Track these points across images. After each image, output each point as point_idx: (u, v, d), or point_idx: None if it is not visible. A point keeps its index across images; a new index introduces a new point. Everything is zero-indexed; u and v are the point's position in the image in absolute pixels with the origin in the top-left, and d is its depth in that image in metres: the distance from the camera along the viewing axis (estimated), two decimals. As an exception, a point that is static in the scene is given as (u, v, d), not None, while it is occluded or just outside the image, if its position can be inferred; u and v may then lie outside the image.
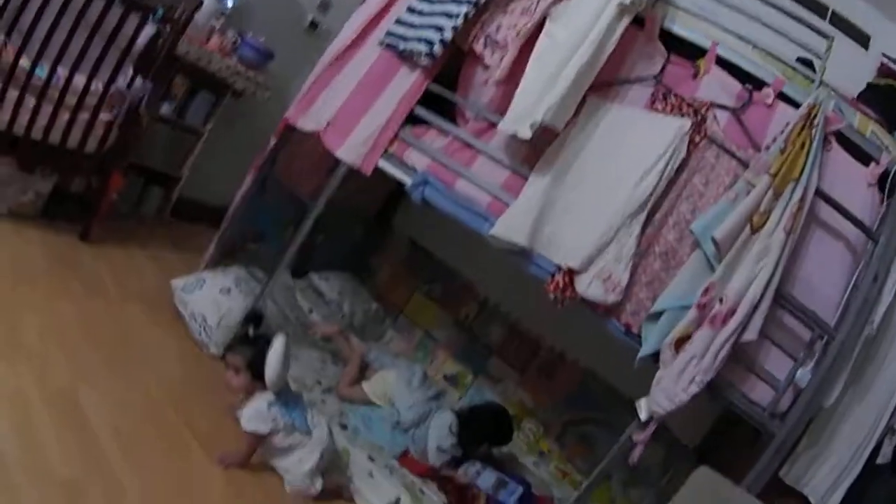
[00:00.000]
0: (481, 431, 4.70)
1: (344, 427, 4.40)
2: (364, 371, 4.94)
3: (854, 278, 3.53)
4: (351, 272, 6.18)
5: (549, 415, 5.53)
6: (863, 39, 4.42)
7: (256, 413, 3.57)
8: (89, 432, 3.22)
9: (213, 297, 4.56)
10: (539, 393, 5.60)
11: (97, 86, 4.32)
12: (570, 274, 3.54)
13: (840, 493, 3.51)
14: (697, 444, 5.16)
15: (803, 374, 3.37)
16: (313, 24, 5.98)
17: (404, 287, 6.26)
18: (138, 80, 4.50)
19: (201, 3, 4.59)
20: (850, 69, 4.13)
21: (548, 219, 3.66)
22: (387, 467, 4.24)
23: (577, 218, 3.63)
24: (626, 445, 3.52)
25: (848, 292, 3.52)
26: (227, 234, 4.99)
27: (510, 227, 3.66)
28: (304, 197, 4.63)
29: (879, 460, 3.56)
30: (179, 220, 5.88)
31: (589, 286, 3.50)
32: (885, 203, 3.58)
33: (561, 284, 3.54)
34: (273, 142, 4.67)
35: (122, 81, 4.43)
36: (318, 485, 3.72)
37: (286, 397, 3.70)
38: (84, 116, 4.37)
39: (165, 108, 5.28)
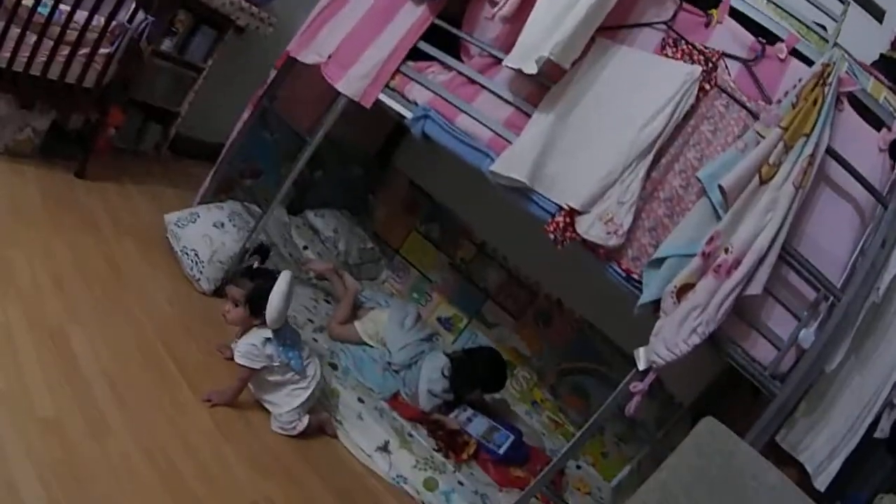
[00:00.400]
0: (475, 376, 4.57)
1: (334, 367, 4.30)
2: (357, 310, 4.82)
3: (862, 242, 3.43)
4: (348, 210, 6.08)
5: (544, 363, 5.45)
6: (878, 13, 4.25)
7: (251, 348, 3.51)
8: (77, 370, 3.17)
9: (205, 232, 4.44)
10: (534, 340, 5.51)
11: (99, 20, 4.18)
12: (572, 214, 3.40)
13: (837, 464, 3.38)
14: (692, 402, 5.06)
15: (807, 335, 3.24)
16: None
17: (401, 227, 6.15)
18: (140, 14, 4.36)
19: None
20: (864, 41, 4.01)
21: (550, 158, 3.51)
22: (376, 409, 4.16)
23: (580, 158, 3.49)
24: (623, 396, 3.38)
25: (855, 256, 3.41)
26: (223, 169, 4.85)
27: (511, 163, 3.51)
28: (303, 132, 4.41)
29: (877, 434, 3.42)
30: (178, 157, 5.76)
31: (590, 227, 3.37)
32: (894, 169, 3.49)
33: (561, 225, 3.40)
34: (273, 74, 4.55)
35: (123, 15, 4.30)
36: (304, 422, 3.67)
37: (284, 335, 3.62)
38: (84, 51, 4.25)
39: (167, 44, 5.14)
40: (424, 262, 5.99)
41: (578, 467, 5.04)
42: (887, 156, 3.47)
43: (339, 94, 4.10)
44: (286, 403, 3.62)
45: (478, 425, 4.46)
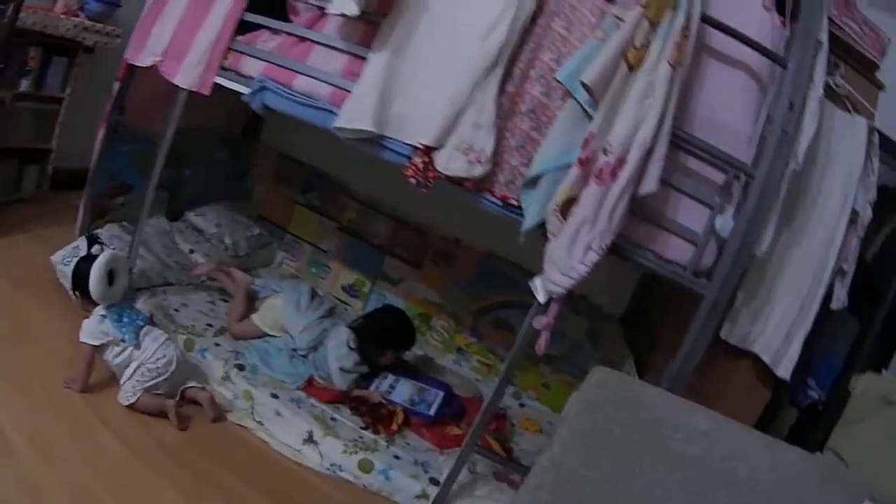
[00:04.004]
0: (380, 338, 3.96)
1: (241, 368, 3.69)
2: (253, 303, 4.23)
3: (766, 110, 2.85)
4: (228, 201, 5.47)
5: (458, 306, 4.86)
6: None
7: (88, 326, 3.30)
8: (3, 441, 2.84)
9: (87, 262, 3.93)
10: (442, 285, 4.92)
11: None
12: (428, 152, 2.82)
13: (796, 347, 2.98)
14: (623, 311, 4.60)
15: (724, 222, 2.71)
16: None
17: (283, 203, 5.49)
18: None
19: None
20: None
21: (392, 97, 2.94)
22: (293, 401, 3.57)
23: (423, 89, 2.93)
24: (532, 333, 2.81)
25: (761, 125, 2.83)
26: (91, 195, 4.27)
27: (354, 114, 2.92)
28: (159, 135, 3.85)
29: (834, 305, 3.07)
30: (61, 192, 5.15)
31: (449, 161, 2.79)
32: (787, 26, 2.89)
33: (420, 166, 2.83)
34: (117, 86, 3.99)
35: None
36: (134, 400, 3.28)
37: (120, 312, 3.37)
38: None
39: (24, 84, 4.62)
40: (313, 234, 5.32)
41: (522, 405, 4.46)
42: (775, 13, 2.88)
43: (179, 88, 3.53)
44: (125, 373, 3.32)
45: (401, 390, 3.89)
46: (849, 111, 3.08)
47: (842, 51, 3.07)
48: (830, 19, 2.91)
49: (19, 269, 4.05)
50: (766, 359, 2.97)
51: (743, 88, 2.85)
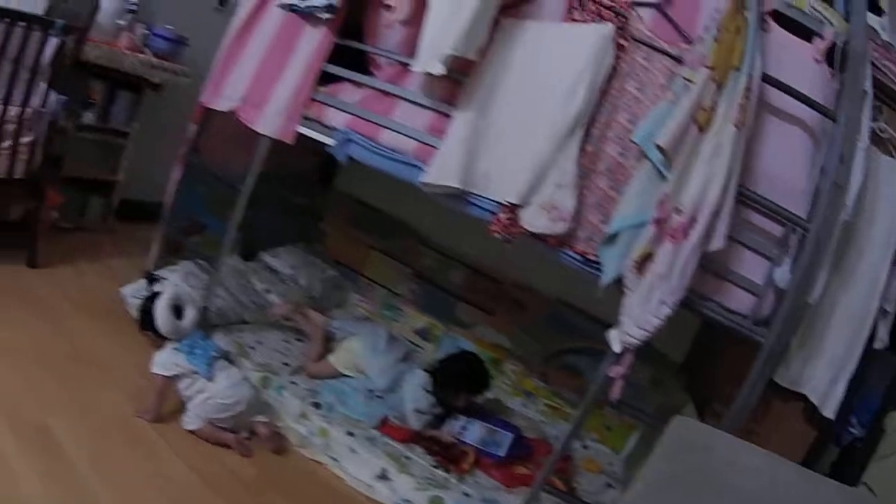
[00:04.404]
0: (456, 382, 4.28)
1: (318, 406, 4.02)
2: (329, 343, 4.54)
3: (819, 163, 3.10)
4: (303, 243, 5.84)
5: (528, 351, 5.16)
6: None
7: (161, 358, 3.56)
8: (65, 462, 3.04)
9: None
10: (513, 330, 5.24)
11: (13, 111, 3.99)
12: (513, 209, 3.14)
13: (841, 387, 3.19)
14: (685, 357, 4.90)
15: (782, 274, 2.95)
16: (222, 2, 5.66)
17: (358, 248, 5.85)
18: (52, 96, 4.17)
19: (97, 6, 4.27)
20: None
21: (479, 155, 3.26)
22: (368, 439, 3.88)
23: (509, 149, 3.22)
24: (606, 380, 3.11)
25: (815, 178, 3.09)
26: (166, 233, 4.63)
27: (441, 170, 3.26)
28: (236, 177, 4.19)
29: (877, 344, 3.24)
30: (127, 223, 5.54)
31: (534, 219, 3.10)
32: (836, 78, 3.14)
33: (505, 222, 3.15)
34: (193, 129, 4.35)
35: (36, 101, 4.10)
36: (196, 425, 3.56)
37: (192, 344, 3.63)
38: (6, 144, 4.03)
39: (88, 117, 4.99)
40: (388, 278, 5.68)
41: (585, 447, 4.77)
42: (825, 65, 3.14)
43: (261, 134, 3.87)
44: (194, 401, 3.58)
45: (473, 432, 4.20)
46: (891, 154, 3.33)
47: (884, 94, 3.30)
48: (872, 63, 3.18)
49: (83, 295, 4.38)
50: (814, 400, 3.19)
51: (799, 143, 3.11)
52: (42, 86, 4.08)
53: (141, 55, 4.92)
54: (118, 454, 3.22)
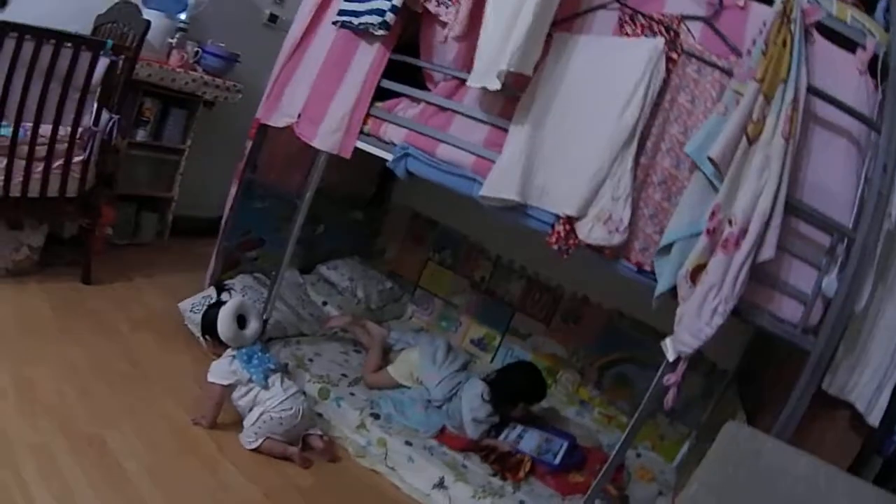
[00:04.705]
0: (513, 392, 4.44)
1: (377, 416, 4.17)
2: (388, 355, 4.71)
3: (864, 173, 3.21)
4: (359, 256, 6.01)
5: (583, 361, 5.32)
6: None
7: (218, 367, 3.70)
8: (121, 472, 3.17)
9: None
10: (569, 341, 5.39)
11: (65, 130, 4.19)
12: (570, 222, 3.29)
13: (886, 395, 3.25)
14: (736, 366, 4.91)
15: (830, 283, 3.07)
16: (272, 18, 5.81)
17: (415, 259, 6.07)
18: (104, 114, 4.34)
19: (149, 26, 4.40)
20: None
21: (536, 168, 3.40)
22: (426, 448, 4.04)
23: (565, 162, 3.37)
24: (660, 389, 3.25)
25: (861, 189, 3.19)
26: (224, 247, 4.80)
27: (499, 184, 3.40)
28: (292, 193, 4.36)
29: None
30: (180, 240, 5.71)
31: (591, 231, 3.25)
32: (879, 89, 3.22)
33: (562, 234, 3.30)
34: (249, 145, 4.48)
35: (88, 120, 4.29)
36: (257, 443, 3.68)
37: (251, 354, 3.77)
38: (58, 163, 4.23)
39: (141, 134, 5.16)
40: (445, 289, 5.91)
41: (638, 455, 4.90)
42: (868, 76, 3.23)
43: (318, 150, 4.04)
44: (249, 417, 3.71)
45: (529, 440, 4.35)
46: None
47: None
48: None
49: (140, 311, 4.56)
50: (860, 408, 3.26)
51: (844, 154, 3.20)
52: (94, 105, 4.27)
53: (193, 73, 5.09)
54: (175, 465, 3.36)
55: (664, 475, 4.75)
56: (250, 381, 3.68)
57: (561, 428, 4.72)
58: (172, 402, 3.80)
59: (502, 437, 4.34)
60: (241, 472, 3.48)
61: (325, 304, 5.30)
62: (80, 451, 3.16)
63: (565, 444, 4.37)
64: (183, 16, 5.16)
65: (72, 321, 4.16)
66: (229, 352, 3.76)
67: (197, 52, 5.22)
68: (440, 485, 3.86)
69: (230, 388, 3.69)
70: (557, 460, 4.26)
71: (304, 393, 3.94)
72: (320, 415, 4.10)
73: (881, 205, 3.04)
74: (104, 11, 4.57)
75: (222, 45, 5.33)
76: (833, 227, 3.13)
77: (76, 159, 4.28)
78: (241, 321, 3.85)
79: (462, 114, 3.74)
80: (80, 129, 4.22)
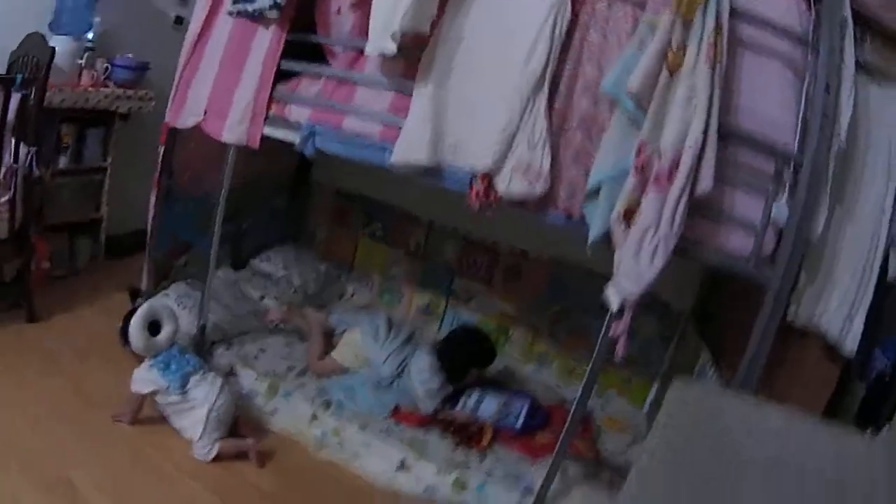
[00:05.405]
0: (462, 359, 4.10)
1: (328, 405, 3.85)
2: (332, 339, 4.35)
3: (804, 95, 2.87)
4: (291, 243, 5.65)
5: (533, 316, 5.00)
6: None
7: (138, 374, 3.51)
8: None
9: (159, 326, 4.06)
10: (515, 298, 5.07)
11: None
12: (487, 177, 2.97)
13: (859, 322, 2.96)
14: (692, 305, 4.66)
15: (779, 210, 2.76)
16: (178, 20, 5.35)
17: (346, 238, 5.69)
18: (22, 148, 3.99)
19: (53, 52, 4.03)
20: None
21: (445, 127, 3.08)
22: (383, 431, 3.74)
23: (474, 117, 3.05)
24: (609, 340, 2.91)
25: (801, 111, 2.86)
26: (153, 258, 4.44)
27: (408, 149, 3.09)
28: (213, 192, 3.99)
29: (890, 277, 3.01)
30: (117, 258, 5.30)
31: (510, 184, 2.94)
32: (811, 9, 2.91)
33: (481, 191, 2.98)
34: (162, 150, 4.13)
35: (8, 158, 3.96)
36: (215, 449, 3.46)
37: (168, 360, 3.55)
38: None
39: (62, 161, 4.78)
40: (381, 262, 5.54)
41: (604, 406, 4.58)
42: None
43: (227, 145, 3.69)
44: (190, 431, 3.48)
45: (488, 406, 4.01)
46: (881, 83, 3.08)
47: (866, 23, 3.04)
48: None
49: (85, 340, 4.20)
50: (832, 336, 2.98)
51: (780, 77, 2.90)
52: (11, 142, 3.95)
53: (104, 89, 4.74)
54: (141, 494, 3.16)
55: (635, 421, 4.45)
56: (167, 388, 3.47)
57: (522, 388, 4.44)
58: (130, 429, 3.57)
59: (459, 406, 4.03)
60: (202, 485, 3.29)
61: (262, 298, 4.94)
62: (50, 497, 2.99)
63: (525, 406, 4.05)
64: (90, 35, 4.81)
65: (22, 363, 3.87)
66: (148, 361, 3.53)
67: (107, 68, 4.84)
68: (402, 466, 3.58)
69: (152, 393, 3.49)
70: (519, 423, 3.97)
71: (228, 377, 3.82)
72: (275, 411, 3.85)
73: (826, 126, 2.75)
74: (16, 47, 4.23)
75: (130, 55, 4.97)
76: (776, 151, 2.83)
77: (2, 200, 3.96)
78: (155, 327, 3.60)
79: (365, 83, 3.42)
80: (2, 170, 3.92)
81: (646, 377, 4.65)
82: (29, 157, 4.03)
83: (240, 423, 3.61)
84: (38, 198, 4.36)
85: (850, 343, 2.96)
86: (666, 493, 1.86)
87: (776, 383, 3.02)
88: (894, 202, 2.97)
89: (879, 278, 2.97)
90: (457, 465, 3.56)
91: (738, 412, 2.11)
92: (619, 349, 2.83)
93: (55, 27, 4.50)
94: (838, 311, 2.94)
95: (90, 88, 4.62)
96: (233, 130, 3.62)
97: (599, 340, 2.99)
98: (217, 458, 3.41)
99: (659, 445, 1.99)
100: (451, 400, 4.02)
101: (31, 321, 4.27)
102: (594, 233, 2.80)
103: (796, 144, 2.82)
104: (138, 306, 3.67)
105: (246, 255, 5.31)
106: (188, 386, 3.49)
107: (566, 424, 3.25)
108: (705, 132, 2.66)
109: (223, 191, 3.81)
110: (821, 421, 2.23)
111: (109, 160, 5.02)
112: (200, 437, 3.41)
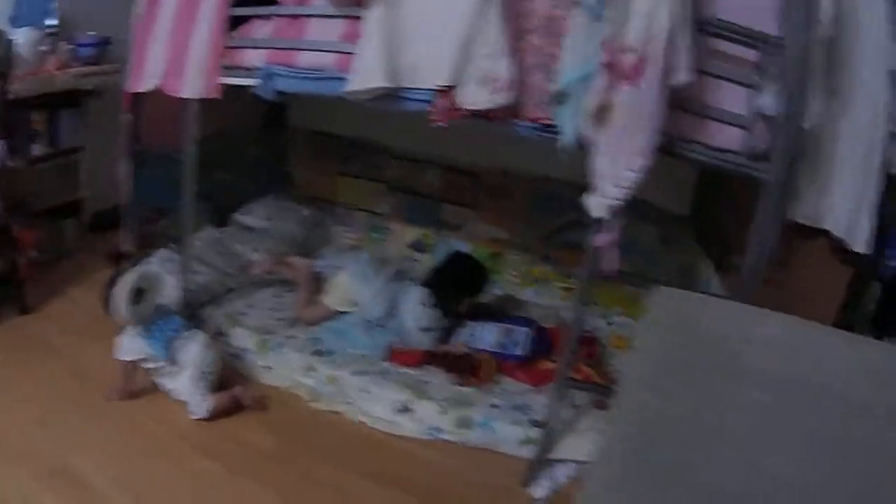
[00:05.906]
0: (453, 287, 3.93)
1: (320, 353, 3.65)
2: (322, 284, 4.12)
3: None
4: (272, 193, 5.36)
5: (526, 237, 4.73)
6: None
7: (123, 343, 3.40)
8: (95, 493, 2.88)
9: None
10: (504, 221, 4.81)
11: None
12: (449, 92, 2.72)
13: (866, 218, 2.64)
14: (690, 209, 4.44)
15: (766, 100, 2.46)
16: None
17: (326, 179, 5.43)
18: None
19: (10, 43, 3.95)
20: None
21: (401, 47, 2.82)
22: (380, 374, 3.54)
23: (428, 32, 2.79)
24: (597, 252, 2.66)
25: None
26: (133, 228, 4.27)
27: (364, 74, 2.85)
28: (182, 152, 3.78)
29: (893, 170, 2.68)
30: (105, 234, 5.02)
31: (472, 96, 2.67)
32: None
33: (443, 107, 2.74)
34: (127, 118, 3.92)
35: None
36: (209, 402, 3.36)
37: (150, 328, 3.42)
38: None
39: (37, 148, 4.57)
40: (365, 200, 5.29)
41: (610, 324, 4.26)
42: None
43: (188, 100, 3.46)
44: (186, 390, 3.38)
45: (486, 336, 3.78)
46: None
47: None
48: None
49: (82, 324, 4.04)
50: (839, 233, 2.69)
51: None
52: None
53: (70, 70, 4.59)
54: (144, 470, 3.05)
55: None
56: (154, 356, 3.38)
57: (523, 314, 4.18)
58: (131, 407, 3.44)
59: (455, 339, 3.84)
60: (203, 454, 3.15)
61: (254, 251, 4.68)
62: (52, 485, 2.88)
63: (527, 331, 3.81)
64: (49, 20, 4.68)
65: (18, 355, 3.73)
66: (132, 329, 3.38)
67: (72, 49, 4.71)
68: (403, 409, 3.39)
69: (140, 361, 3.40)
70: (522, 350, 3.70)
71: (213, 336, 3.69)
72: (268, 367, 3.68)
73: (808, 9, 2.43)
74: (-20, 46, 4.22)
75: (93, 33, 4.83)
76: (756, 38, 2.53)
77: (-23, 195, 3.88)
78: (139, 294, 3.42)
79: (316, 15, 3.21)
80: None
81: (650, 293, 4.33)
82: (1, 151, 3.93)
83: (228, 377, 3.50)
84: (19, 190, 4.25)
85: (861, 241, 2.67)
86: (656, 404, 1.55)
87: (785, 291, 2.82)
88: (889, 92, 2.66)
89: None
90: (460, 403, 3.35)
91: (730, 320, 1.81)
92: (608, 262, 2.61)
93: (15, 21, 4.36)
94: (843, 205, 2.65)
95: (56, 72, 4.48)
96: (191, 85, 3.40)
97: (588, 255, 2.71)
98: (214, 417, 3.31)
99: (639, 359, 1.69)
100: (448, 334, 3.84)
101: (24, 313, 4.13)
102: (566, 138, 2.54)
103: (778, 30, 2.51)
104: (121, 271, 3.52)
105: (229, 211, 5.09)
106: (174, 350, 3.37)
107: (564, 348, 3.01)
108: (673, 21, 2.36)
109: (189, 148, 3.61)
110: (832, 329, 1.96)
111: (84, 139, 4.85)
112: (193, 395, 3.32)
